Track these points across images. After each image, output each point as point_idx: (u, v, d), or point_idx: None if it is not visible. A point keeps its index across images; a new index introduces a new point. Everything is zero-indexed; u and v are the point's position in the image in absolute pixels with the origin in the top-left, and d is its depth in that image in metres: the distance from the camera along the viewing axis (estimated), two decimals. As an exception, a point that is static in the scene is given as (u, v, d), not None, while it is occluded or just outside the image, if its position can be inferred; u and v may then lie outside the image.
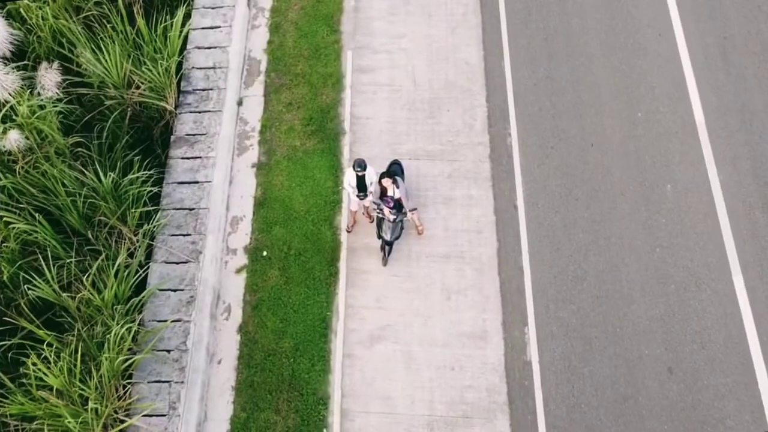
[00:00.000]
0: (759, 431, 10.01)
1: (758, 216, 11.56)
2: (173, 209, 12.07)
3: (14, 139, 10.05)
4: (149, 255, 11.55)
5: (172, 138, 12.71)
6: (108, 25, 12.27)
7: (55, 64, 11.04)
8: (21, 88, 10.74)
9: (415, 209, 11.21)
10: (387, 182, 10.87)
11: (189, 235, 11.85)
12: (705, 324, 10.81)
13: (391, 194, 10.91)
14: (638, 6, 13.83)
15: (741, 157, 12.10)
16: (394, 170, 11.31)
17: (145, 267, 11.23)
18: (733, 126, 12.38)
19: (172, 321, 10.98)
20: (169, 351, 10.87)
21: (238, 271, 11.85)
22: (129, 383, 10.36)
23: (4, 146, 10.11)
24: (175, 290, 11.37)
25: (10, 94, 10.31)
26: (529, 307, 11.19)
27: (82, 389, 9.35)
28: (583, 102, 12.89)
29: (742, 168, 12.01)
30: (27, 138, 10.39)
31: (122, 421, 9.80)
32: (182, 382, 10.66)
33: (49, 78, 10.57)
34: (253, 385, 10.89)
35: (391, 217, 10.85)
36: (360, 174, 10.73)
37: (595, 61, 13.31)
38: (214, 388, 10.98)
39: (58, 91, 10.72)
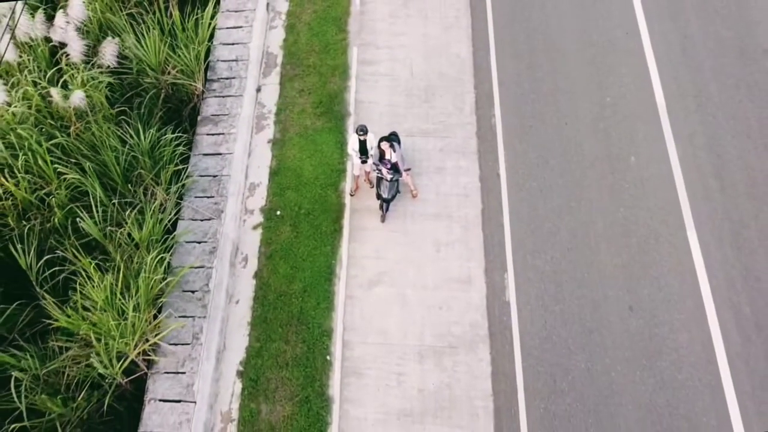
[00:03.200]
0: (708, 359, 11.43)
1: (710, 182, 13.17)
2: (199, 176, 13.82)
3: (79, 97, 11.90)
4: (178, 214, 13.24)
5: (199, 118, 14.56)
6: (147, 15, 14.27)
7: (115, 39, 13.00)
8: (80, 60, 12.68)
9: (409, 169, 12.92)
10: (385, 146, 12.58)
11: (212, 197, 13.56)
12: (662, 270, 12.33)
13: (389, 157, 12.61)
14: (609, 9, 15.76)
15: (696, 134, 13.78)
16: (392, 137, 13.02)
17: (173, 217, 12.90)
18: (690, 108, 14.11)
19: (197, 267, 12.61)
20: (193, 292, 12.47)
21: (255, 227, 13.53)
22: (159, 316, 11.93)
23: (69, 105, 11.91)
24: (199, 242, 13.02)
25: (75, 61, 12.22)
26: (509, 257, 12.76)
27: (123, 303, 10.94)
28: (559, 89, 14.69)
29: (697, 143, 13.68)
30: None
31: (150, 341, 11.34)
32: (204, 317, 12.22)
33: (110, 49, 12.49)
34: (266, 320, 12.44)
35: (389, 177, 12.54)
36: (362, 138, 12.47)
37: (571, 55, 15.16)
38: (232, 323, 12.54)
39: (113, 63, 12.60)
